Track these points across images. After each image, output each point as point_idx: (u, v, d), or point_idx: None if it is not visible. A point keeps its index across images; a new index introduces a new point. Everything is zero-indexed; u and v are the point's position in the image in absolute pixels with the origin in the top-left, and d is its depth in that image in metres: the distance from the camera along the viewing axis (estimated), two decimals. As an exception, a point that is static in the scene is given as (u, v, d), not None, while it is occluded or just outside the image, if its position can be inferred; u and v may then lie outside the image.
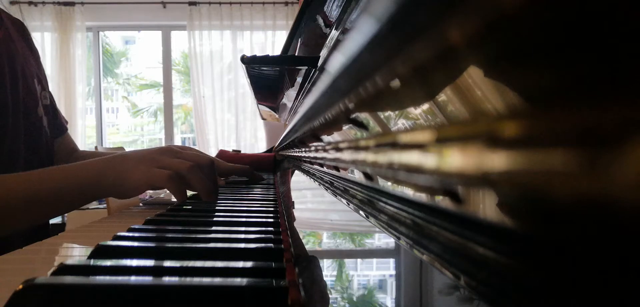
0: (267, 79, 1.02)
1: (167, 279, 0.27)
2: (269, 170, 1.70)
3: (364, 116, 0.25)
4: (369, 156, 0.23)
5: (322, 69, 0.35)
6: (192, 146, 1.12)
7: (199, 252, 0.34)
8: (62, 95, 3.81)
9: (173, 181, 0.63)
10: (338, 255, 0.38)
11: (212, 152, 3.53)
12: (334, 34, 0.32)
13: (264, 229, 0.44)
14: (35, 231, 0.81)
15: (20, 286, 0.23)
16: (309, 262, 0.23)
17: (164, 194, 0.92)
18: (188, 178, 0.64)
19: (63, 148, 0.98)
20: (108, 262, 0.30)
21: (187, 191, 0.67)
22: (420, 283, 0.19)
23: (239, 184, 1.00)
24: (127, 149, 3.33)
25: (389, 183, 0.22)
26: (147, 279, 0.27)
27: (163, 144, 4.25)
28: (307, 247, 0.45)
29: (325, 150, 0.42)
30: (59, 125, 0.97)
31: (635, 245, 0.07)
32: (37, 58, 0.94)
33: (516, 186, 0.10)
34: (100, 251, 0.32)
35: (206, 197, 0.66)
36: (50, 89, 0.99)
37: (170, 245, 0.38)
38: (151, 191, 0.76)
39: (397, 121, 0.20)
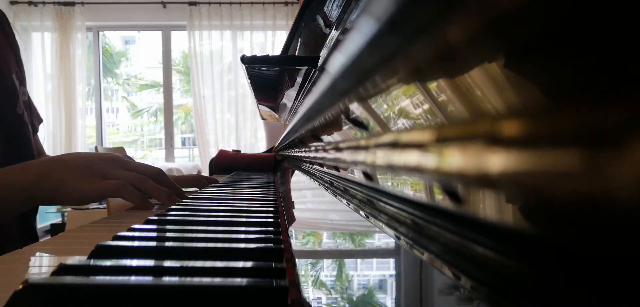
0: (267, 79, 1.02)
1: (167, 279, 0.27)
2: (269, 170, 1.70)
3: (363, 116, 0.25)
4: (369, 156, 0.23)
5: (322, 69, 0.35)
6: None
7: (199, 252, 0.34)
8: (62, 95, 3.81)
9: (126, 189, 0.61)
10: (338, 255, 0.38)
11: (212, 152, 3.53)
12: (334, 34, 0.32)
13: (264, 229, 0.44)
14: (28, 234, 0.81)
15: (20, 286, 0.23)
16: None
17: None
18: (142, 188, 0.64)
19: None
20: (108, 262, 0.30)
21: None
22: (420, 283, 0.19)
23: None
24: (127, 150, 3.33)
25: (389, 183, 0.22)
26: (147, 279, 0.27)
27: (163, 144, 4.26)
28: (307, 247, 0.45)
29: (325, 150, 0.42)
30: (32, 124, 0.92)
31: (636, 245, 0.07)
32: (16, 52, 0.90)
33: (516, 186, 0.10)
34: (100, 251, 0.32)
35: (166, 201, 0.65)
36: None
37: (170, 245, 0.38)
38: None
39: (397, 121, 0.20)
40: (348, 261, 0.35)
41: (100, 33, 4.24)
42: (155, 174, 0.68)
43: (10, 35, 0.90)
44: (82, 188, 0.60)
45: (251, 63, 0.75)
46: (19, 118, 0.83)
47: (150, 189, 0.64)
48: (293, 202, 0.70)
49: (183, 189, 0.73)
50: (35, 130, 0.93)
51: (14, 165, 0.61)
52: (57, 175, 0.60)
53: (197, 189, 0.90)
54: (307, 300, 0.27)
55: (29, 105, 0.90)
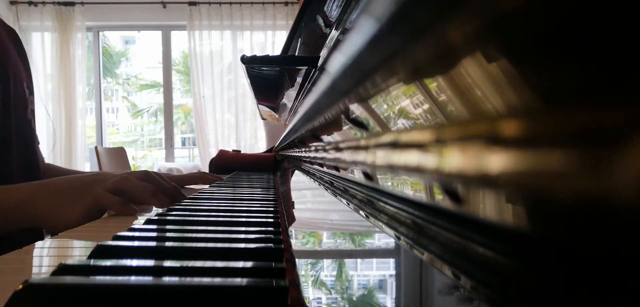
0: (267, 79, 1.02)
1: (167, 279, 0.27)
2: (269, 170, 1.70)
3: (363, 116, 0.25)
4: (369, 156, 0.23)
5: (322, 69, 0.35)
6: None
7: (199, 252, 0.34)
8: (62, 95, 3.81)
9: (105, 198, 0.59)
10: (338, 255, 0.38)
11: (212, 152, 3.54)
12: (334, 34, 0.32)
13: (264, 229, 0.44)
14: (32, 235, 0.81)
15: (20, 286, 0.23)
16: None
17: None
18: (123, 190, 0.61)
19: None
20: (108, 262, 0.30)
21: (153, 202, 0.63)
22: (420, 283, 0.19)
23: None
24: (127, 150, 3.33)
25: (389, 183, 0.22)
26: (147, 279, 0.27)
27: (163, 144, 4.26)
28: (307, 247, 0.45)
29: (325, 150, 0.42)
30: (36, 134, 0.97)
31: (636, 245, 0.07)
32: (26, 65, 0.93)
33: (516, 186, 0.10)
34: (100, 251, 0.32)
35: (151, 199, 0.62)
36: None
37: (170, 245, 0.38)
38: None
39: (397, 121, 0.20)
40: (348, 261, 0.35)
41: (100, 33, 4.24)
42: (141, 174, 0.66)
43: (22, 49, 0.94)
44: (69, 213, 0.58)
45: (251, 63, 0.75)
46: (28, 123, 0.87)
47: (132, 187, 0.62)
48: (293, 202, 0.70)
49: (189, 186, 0.71)
50: (38, 141, 0.96)
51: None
52: (41, 201, 0.59)
53: (200, 187, 0.90)
54: (307, 301, 0.27)
55: (34, 115, 0.93)
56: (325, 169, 0.46)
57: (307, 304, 0.26)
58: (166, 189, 0.68)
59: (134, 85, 6.46)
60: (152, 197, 0.62)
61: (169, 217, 0.50)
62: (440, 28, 0.12)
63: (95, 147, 2.89)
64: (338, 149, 0.34)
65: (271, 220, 0.48)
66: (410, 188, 0.19)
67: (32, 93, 0.92)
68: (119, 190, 0.61)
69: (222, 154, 1.83)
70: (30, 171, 0.85)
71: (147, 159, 5.78)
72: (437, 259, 0.16)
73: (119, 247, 0.34)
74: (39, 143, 0.98)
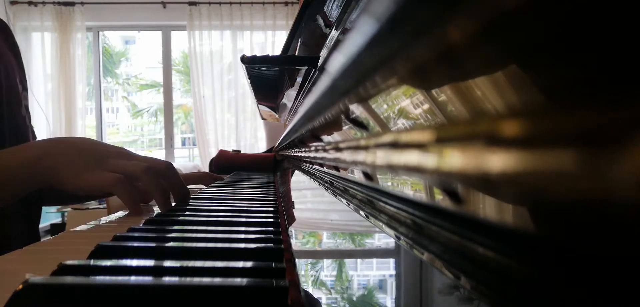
0: (267, 79, 1.02)
1: (167, 279, 0.27)
2: (269, 170, 1.70)
3: (363, 116, 0.25)
4: (369, 156, 0.23)
5: (322, 69, 0.35)
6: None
7: (199, 252, 0.34)
8: (62, 95, 3.81)
9: (122, 185, 0.56)
10: (338, 255, 0.38)
11: (212, 152, 3.54)
12: (334, 34, 0.32)
13: (264, 229, 0.44)
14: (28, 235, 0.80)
15: (20, 286, 0.23)
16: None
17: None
18: (142, 181, 0.57)
19: None
20: (108, 262, 0.30)
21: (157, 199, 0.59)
22: (420, 283, 0.19)
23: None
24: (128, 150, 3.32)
25: (389, 183, 0.22)
26: (147, 279, 0.27)
27: (163, 144, 4.26)
28: (307, 247, 0.45)
29: (325, 150, 0.42)
30: (32, 129, 0.94)
31: (636, 245, 0.07)
32: (18, 58, 0.91)
33: (516, 186, 0.10)
34: (100, 251, 0.32)
35: (163, 205, 0.57)
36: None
37: (170, 245, 0.38)
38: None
39: (397, 121, 0.20)
40: (348, 261, 0.35)
41: (100, 33, 4.24)
42: (163, 169, 0.61)
43: (13, 43, 0.92)
44: (83, 177, 0.56)
45: (251, 63, 0.75)
46: (23, 120, 0.85)
47: (149, 185, 0.58)
48: (293, 202, 0.70)
49: (188, 186, 0.68)
50: (35, 136, 0.95)
51: (10, 147, 0.58)
52: (58, 157, 0.57)
53: (201, 187, 0.89)
54: (310, 294, 0.27)
55: (29, 111, 0.92)
56: (325, 169, 0.46)
57: (315, 299, 0.26)
58: (180, 192, 0.64)
59: (134, 85, 6.46)
60: (163, 206, 0.58)
61: (169, 218, 0.50)
62: (440, 28, 0.12)
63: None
64: (338, 149, 0.34)
65: (271, 220, 0.48)
66: (410, 188, 0.19)
67: (25, 89, 0.90)
68: (136, 177, 0.58)
69: (222, 154, 1.83)
70: None
71: (147, 159, 5.76)
72: (437, 259, 0.16)
73: (119, 247, 0.34)
74: (36, 138, 0.97)
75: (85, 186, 0.56)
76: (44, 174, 0.56)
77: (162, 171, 0.61)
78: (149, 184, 0.58)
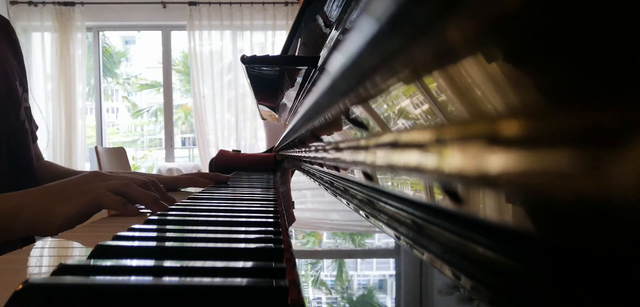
0: (267, 79, 1.02)
1: (167, 279, 0.27)
2: (269, 170, 1.70)
3: (363, 116, 0.25)
4: (369, 156, 0.23)
5: (322, 69, 0.36)
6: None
7: (199, 252, 0.34)
8: (62, 95, 3.81)
9: (106, 197, 0.58)
10: (338, 255, 0.38)
11: (212, 152, 3.54)
12: (334, 34, 0.32)
13: (264, 229, 0.44)
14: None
15: (20, 286, 0.24)
16: None
17: None
18: (123, 192, 0.60)
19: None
20: (108, 262, 0.30)
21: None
22: (420, 283, 0.19)
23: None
24: (127, 150, 3.32)
25: (389, 183, 0.22)
26: (147, 279, 0.27)
27: (163, 144, 4.26)
28: (307, 247, 0.45)
29: (325, 150, 0.42)
30: (32, 131, 0.93)
31: (636, 245, 0.07)
32: (20, 60, 0.90)
33: (516, 186, 0.10)
34: (100, 251, 0.32)
35: (154, 206, 0.61)
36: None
37: (170, 245, 0.38)
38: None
39: (397, 121, 0.20)
40: (348, 261, 0.35)
41: (100, 33, 4.24)
42: (142, 181, 0.64)
43: (14, 42, 0.91)
44: (63, 211, 0.57)
45: (251, 63, 0.75)
46: (21, 125, 0.84)
47: (134, 194, 0.60)
48: (293, 202, 0.70)
49: (185, 188, 0.69)
50: (35, 138, 0.94)
51: None
52: (36, 204, 0.57)
53: (198, 190, 0.89)
54: (307, 301, 0.27)
55: (29, 112, 0.91)
56: (325, 169, 0.46)
57: (307, 304, 0.26)
58: (169, 199, 0.67)
59: (134, 85, 6.46)
60: (154, 205, 0.61)
61: (169, 217, 0.50)
62: (439, 28, 0.12)
63: (95, 147, 2.89)
64: (338, 149, 0.34)
65: (271, 220, 0.48)
66: (410, 188, 0.19)
67: (26, 90, 0.89)
68: (120, 193, 0.60)
69: (222, 154, 1.83)
70: (21, 172, 0.82)
71: (147, 159, 5.78)
72: (437, 259, 0.16)
73: (119, 247, 0.34)
74: (37, 139, 0.96)
75: (66, 219, 0.56)
76: (25, 224, 0.57)
77: (141, 183, 0.63)
78: (132, 193, 0.60)
